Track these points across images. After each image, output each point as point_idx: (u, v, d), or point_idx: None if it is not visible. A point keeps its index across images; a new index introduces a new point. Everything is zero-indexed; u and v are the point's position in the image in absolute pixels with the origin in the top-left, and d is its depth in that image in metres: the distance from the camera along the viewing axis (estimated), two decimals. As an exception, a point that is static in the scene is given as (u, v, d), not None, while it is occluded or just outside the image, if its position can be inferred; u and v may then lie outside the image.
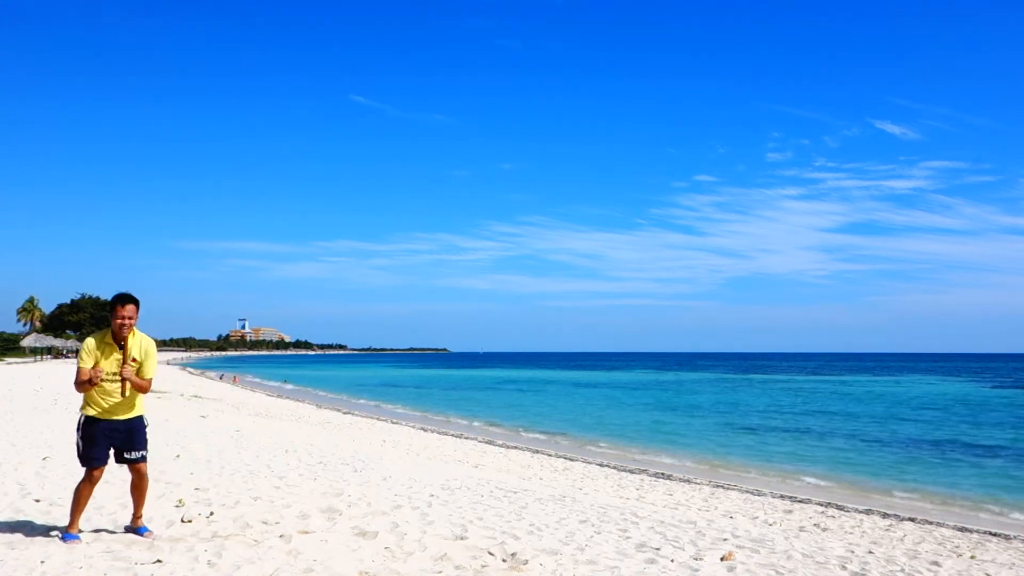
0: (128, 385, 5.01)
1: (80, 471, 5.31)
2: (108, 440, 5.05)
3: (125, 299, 5.01)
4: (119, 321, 4.98)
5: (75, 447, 5.07)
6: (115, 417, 5.05)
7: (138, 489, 5.28)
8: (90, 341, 5.02)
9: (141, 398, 5.20)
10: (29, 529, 5.45)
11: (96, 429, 5.01)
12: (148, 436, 5.31)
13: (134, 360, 5.02)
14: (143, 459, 5.20)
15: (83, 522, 5.70)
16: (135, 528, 5.36)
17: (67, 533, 5.07)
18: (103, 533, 5.39)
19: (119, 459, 5.14)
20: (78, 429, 5.07)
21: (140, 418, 5.21)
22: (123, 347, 5.00)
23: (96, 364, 4.95)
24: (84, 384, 4.93)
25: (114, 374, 4.98)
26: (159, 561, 4.68)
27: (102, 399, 5.01)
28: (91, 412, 5.03)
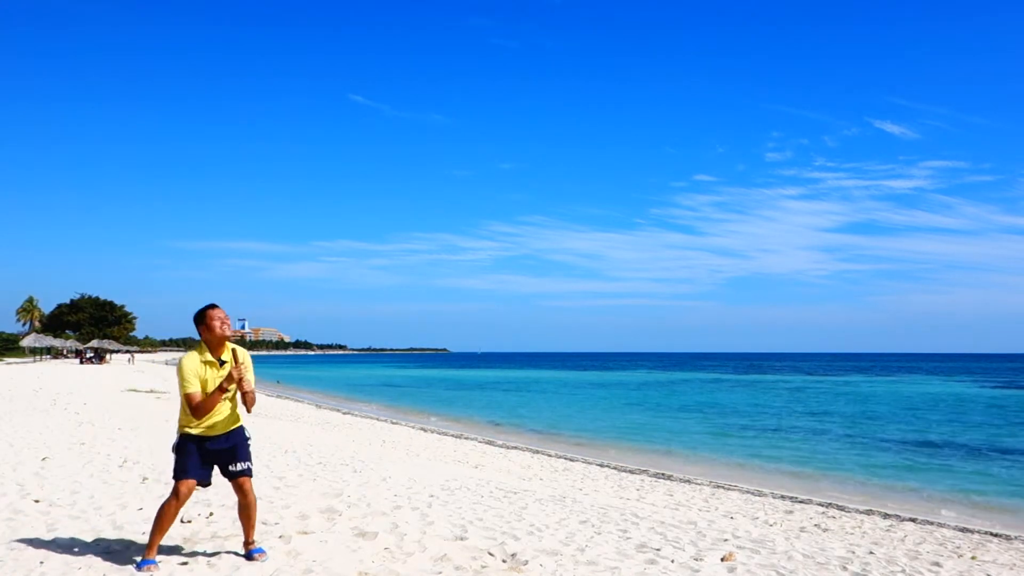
0: (248, 397, 4.59)
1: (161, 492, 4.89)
2: (208, 457, 4.61)
3: (212, 305, 4.61)
4: (218, 323, 4.54)
5: (172, 465, 4.64)
6: (216, 433, 4.62)
7: (246, 510, 4.80)
8: (189, 362, 4.51)
9: (240, 408, 4.76)
10: (28, 530, 5.44)
11: (194, 445, 4.58)
12: (251, 449, 4.86)
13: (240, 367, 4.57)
14: (248, 472, 4.73)
15: (80, 521, 5.71)
16: (248, 552, 4.86)
17: (144, 559, 4.56)
18: (102, 533, 5.38)
19: (223, 473, 4.73)
20: (174, 449, 4.63)
21: (241, 429, 4.79)
22: (223, 361, 4.59)
23: (204, 386, 4.52)
24: (204, 411, 4.48)
25: (219, 390, 4.54)
26: (158, 562, 4.66)
27: (207, 417, 4.57)
28: (191, 431, 4.58)
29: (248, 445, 4.79)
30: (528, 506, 7.91)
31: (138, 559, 4.63)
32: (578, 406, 37.66)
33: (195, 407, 4.49)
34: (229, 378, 4.52)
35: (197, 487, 4.60)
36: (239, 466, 4.69)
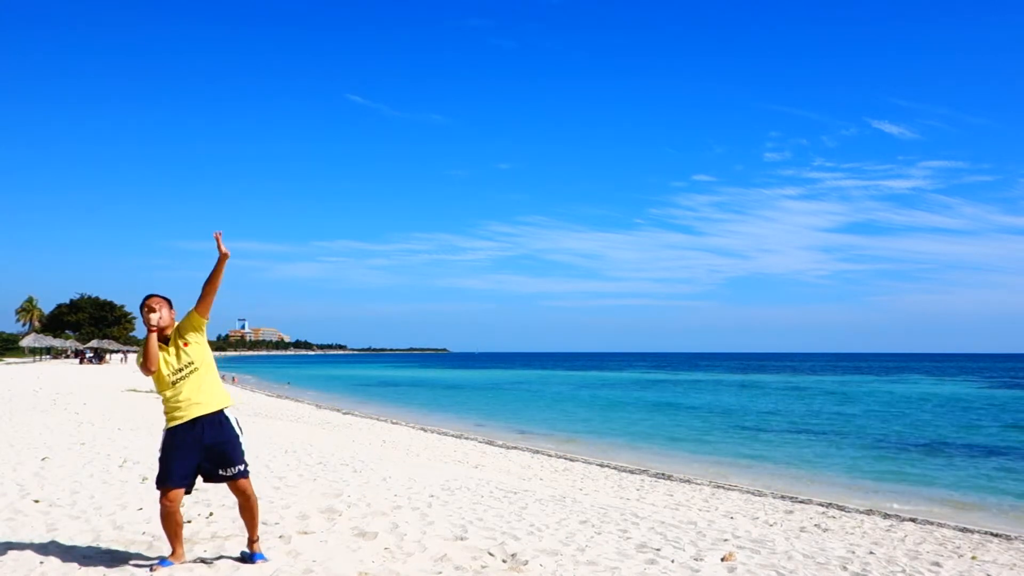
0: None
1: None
2: (193, 456, 4.40)
3: (147, 295, 4.59)
4: (144, 310, 4.51)
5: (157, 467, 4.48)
6: (201, 414, 4.44)
7: (247, 511, 4.62)
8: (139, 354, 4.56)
9: (222, 387, 4.67)
10: (28, 530, 5.44)
11: (178, 441, 4.40)
12: (243, 447, 4.58)
13: (184, 343, 4.48)
14: (243, 474, 4.51)
15: (80, 521, 5.71)
16: (251, 554, 4.74)
17: (163, 559, 4.55)
18: (102, 533, 5.37)
19: (212, 478, 4.49)
20: (161, 448, 4.50)
21: (228, 420, 4.56)
22: (168, 338, 4.49)
23: (160, 367, 4.45)
24: (148, 356, 4.38)
25: (179, 370, 4.44)
26: (173, 563, 4.66)
27: (178, 401, 4.43)
28: (173, 423, 4.44)
29: (240, 442, 4.55)
30: (528, 506, 7.91)
31: (144, 563, 4.63)
32: (577, 406, 37.66)
33: (142, 363, 4.44)
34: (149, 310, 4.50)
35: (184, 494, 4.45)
36: (230, 470, 4.45)
